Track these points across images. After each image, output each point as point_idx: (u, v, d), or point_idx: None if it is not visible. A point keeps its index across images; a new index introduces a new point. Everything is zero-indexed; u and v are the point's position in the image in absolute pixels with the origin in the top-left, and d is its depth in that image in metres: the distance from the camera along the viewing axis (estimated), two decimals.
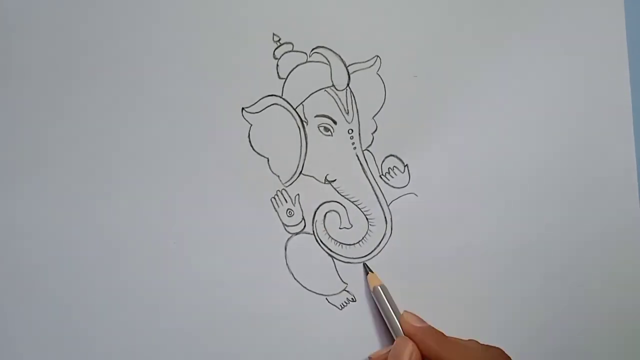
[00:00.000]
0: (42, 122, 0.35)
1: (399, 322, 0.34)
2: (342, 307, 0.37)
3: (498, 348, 0.33)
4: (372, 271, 0.36)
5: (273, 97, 0.36)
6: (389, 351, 0.34)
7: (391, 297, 0.35)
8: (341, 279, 0.37)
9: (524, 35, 0.37)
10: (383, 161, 0.37)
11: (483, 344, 0.33)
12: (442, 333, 0.34)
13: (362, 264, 0.36)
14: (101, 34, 0.35)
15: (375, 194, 0.37)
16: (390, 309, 0.35)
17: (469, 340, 0.34)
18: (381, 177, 0.37)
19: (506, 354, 0.33)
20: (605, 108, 0.38)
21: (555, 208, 0.37)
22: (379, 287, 0.35)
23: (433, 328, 0.34)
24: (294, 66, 0.35)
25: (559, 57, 0.37)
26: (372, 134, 0.36)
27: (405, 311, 0.35)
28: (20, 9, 0.34)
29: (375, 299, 0.36)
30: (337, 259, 0.37)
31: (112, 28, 0.35)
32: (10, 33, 0.34)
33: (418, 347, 0.33)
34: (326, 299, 0.36)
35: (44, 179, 0.35)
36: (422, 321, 0.34)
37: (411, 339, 0.33)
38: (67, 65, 0.35)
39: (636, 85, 0.38)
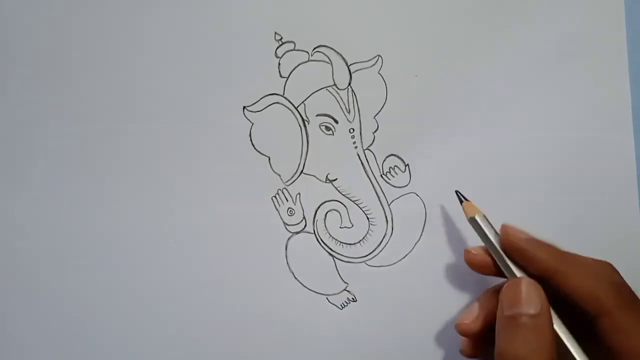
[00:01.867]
0: (42, 121, 0.35)
1: (500, 239, 0.31)
2: (343, 306, 0.36)
3: (608, 262, 0.29)
4: (466, 199, 0.33)
5: (274, 95, 0.36)
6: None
7: (491, 224, 0.32)
8: (342, 278, 0.37)
9: (525, 35, 0.37)
10: (384, 160, 0.37)
11: (597, 260, 0.29)
12: (554, 245, 0.30)
13: (455, 192, 0.34)
14: (101, 34, 0.34)
15: (376, 193, 0.37)
16: (491, 236, 0.31)
17: (586, 257, 0.30)
18: (382, 177, 0.37)
19: (614, 268, 0.29)
20: (605, 108, 0.38)
21: (556, 208, 0.38)
22: (476, 218, 0.32)
23: (541, 240, 0.30)
24: (296, 65, 0.35)
25: (560, 57, 0.37)
26: (373, 133, 0.36)
27: (504, 225, 0.31)
28: (18, 7, 0.34)
29: (476, 231, 0.32)
30: (337, 259, 0.37)
31: (112, 27, 0.35)
32: (8, 32, 0.34)
33: (531, 262, 0.29)
34: (327, 298, 0.36)
35: (44, 178, 0.35)
36: (526, 232, 0.30)
37: (520, 254, 0.29)
38: (68, 65, 0.34)
39: (636, 85, 0.38)
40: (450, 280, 0.37)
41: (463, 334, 0.31)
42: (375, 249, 0.37)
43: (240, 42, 0.35)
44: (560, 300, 0.29)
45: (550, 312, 0.28)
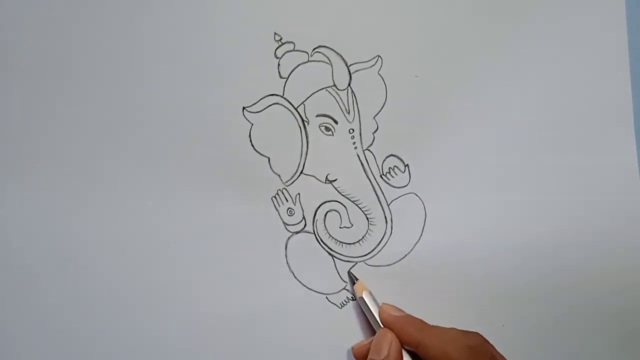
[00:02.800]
0: (42, 121, 0.35)
1: (378, 315, 0.35)
2: (342, 305, 0.37)
3: (477, 333, 0.33)
4: (357, 279, 0.36)
5: (274, 96, 0.35)
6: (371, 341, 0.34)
7: (374, 299, 0.35)
8: (341, 277, 0.37)
9: (525, 35, 0.37)
10: (384, 161, 0.37)
11: (462, 330, 0.33)
12: (422, 320, 0.34)
13: (348, 272, 0.37)
14: (101, 34, 0.34)
15: (376, 193, 0.37)
16: (371, 308, 0.35)
17: (450, 328, 0.34)
18: (382, 177, 0.37)
19: (485, 339, 0.33)
20: (605, 108, 0.38)
21: (556, 208, 0.38)
22: (363, 296, 0.35)
23: (411, 316, 0.34)
24: (295, 66, 0.35)
25: (560, 57, 0.37)
26: (373, 133, 0.36)
27: (383, 303, 0.35)
28: (18, 7, 0.34)
29: (361, 306, 0.36)
30: (337, 258, 0.37)
31: (112, 28, 0.34)
32: (8, 32, 0.34)
33: (398, 336, 0.33)
34: (326, 297, 0.37)
35: (44, 178, 0.35)
36: (401, 311, 0.35)
37: (391, 329, 0.34)
38: (68, 65, 0.34)
39: (637, 85, 0.38)
40: (448, 280, 0.37)
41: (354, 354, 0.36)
42: (375, 248, 0.37)
43: (240, 43, 0.35)
44: None
45: (397, 359, 0.33)
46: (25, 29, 0.34)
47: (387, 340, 0.33)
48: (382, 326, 0.34)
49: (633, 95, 0.38)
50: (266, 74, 0.35)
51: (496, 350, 0.33)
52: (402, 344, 0.33)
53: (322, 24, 0.35)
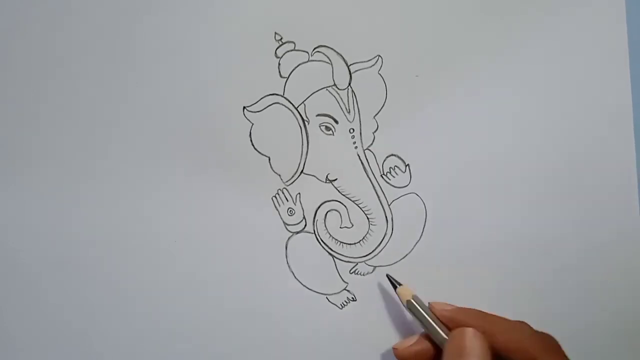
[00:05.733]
0: (43, 121, 0.35)
1: (431, 315, 0.33)
2: (343, 306, 0.37)
3: (549, 334, 0.31)
4: (400, 284, 0.35)
5: (274, 96, 0.36)
6: (416, 343, 0.32)
7: (423, 303, 0.34)
8: (342, 278, 0.37)
9: (525, 35, 0.37)
10: (384, 161, 0.37)
11: (533, 328, 0.31)
12: (477, 309, 0.32)
13: (387, 275, 0.36)
14: (101, 34, 0.34)
15: (377, 193, 0.37)
16: (422, 309, 0.33)
17: (518, 321, 0.32)
18: (382, 177, 0.37)
19: (556, 341, 0.31)
20: (605, 109, 0.38)
21: (556, 208, 0.38)
22: (413, 300, 0.34)
23: (465, 307, 0.33)
24: (296, 65, 0.35)
25: (560, 57, 0.37)
26: (373, 133, 0.36)
27: (430, 302, 0.33)
28: (19, 7, 0.34)
29: (410, 311, 0.34)
30: (337, 258, 0.37)
31: (112, 27, 0.35)
32: (7, 33, 0.34)
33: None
34: (327, 298, 0.36)
35: (44, 177, 0.35)
36: (450, 305, 0.33)
37: (452, 322, 0.31)
38: (68, 65, 0.34)
39: (637, 86, 0.38)
40: (450, 280, 0.37)
41: (397, 357, 0.33)
42: (375, 249, 0.37)
43: (241, 42, 0.35)
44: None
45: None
46: (24, 28, 0.34)
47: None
48: (441, 326, 0.32)
49: (633, 95, 0.38)
50: (266, 74, 0.35)
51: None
52: None
53: (322, 24, 0.36)
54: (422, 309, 0.33)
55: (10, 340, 0.35)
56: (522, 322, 0.32)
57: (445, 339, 0.32)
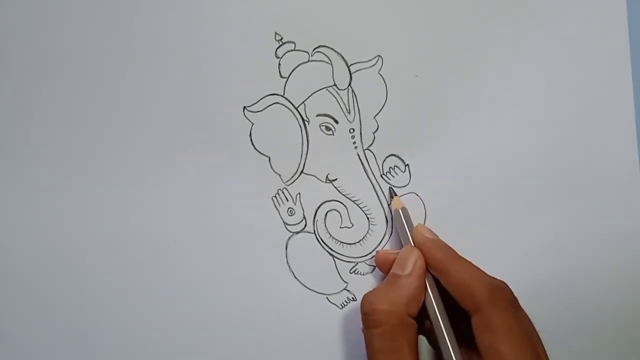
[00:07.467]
0: (43, 121, 0.35)
1: (411, 234, 0.34)
2: (343, 306, 0.37)
3: (504, 283, 0.31)
4: (396, 194, 0.36)
5: (275, 96, 0.36)
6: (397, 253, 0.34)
7: (410, 218, 0.35)
8: (342, 278, 0.37)
9: (526, 35, 0.37)
10: (384, 160, 0.37)
11: (489, 276, 0.32)
12: (453, 249, 0.33)
13: (389, 188, 0.36)
14: (100, 33, 0.35)
15: (376, 193, 0.37)
16: (406, 224, 0.35)
17: (476, 266, 0.32)
18: (382, 177, 0.37)
19: (511, 292, 0.31)
20: (607, 108, 0.38)
21: (557, 208, 0.37)
22: (400, 210, 0.35)
23: (444, 242, 0.34)
24: (296, 65, 0.35)
25: (561, 57, 0.37)
26: (373, 133, 0.36)
27: (419, 224, 0.35)
28: (19, 8, 0.34)
29: (394, 220, 0.36)
30: (337, 258, 0.37)
31: (112, 27, 0.35)
32: (7, 33, 0.34)
33: (425, 257, 0.33)
34: (327, 298, 0.36)
35: (45, 177, 0.35)
36: (435, 235, 0.34)
37: (420, 249, 0.33)
38: (68, 65, 0.35)
39: (638, 86, 0.38)
40: None
41: (376, 261, 0.36)
42: (376, 248, 0.37)
43: (241, 42, 0.35)
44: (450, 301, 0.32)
45: (421, 278, 0.32)
46: (24, 29, 0.34)
47: (413, 257, 0.32)
48: (412, 244, 0.34)
49: (635, 96, 0.38)
50: (267, 74, 0.35)
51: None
52: (428, 268, 0.32)
53: (322, 24, 0.36)
54: (406, 222, 0.35)
55: (10, 340, 0.35)
56: (479, 269, 0.32)
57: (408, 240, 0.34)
